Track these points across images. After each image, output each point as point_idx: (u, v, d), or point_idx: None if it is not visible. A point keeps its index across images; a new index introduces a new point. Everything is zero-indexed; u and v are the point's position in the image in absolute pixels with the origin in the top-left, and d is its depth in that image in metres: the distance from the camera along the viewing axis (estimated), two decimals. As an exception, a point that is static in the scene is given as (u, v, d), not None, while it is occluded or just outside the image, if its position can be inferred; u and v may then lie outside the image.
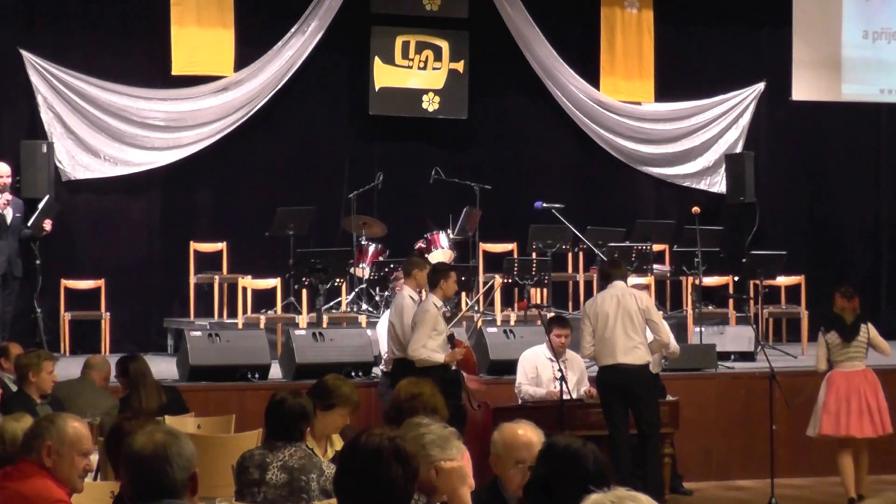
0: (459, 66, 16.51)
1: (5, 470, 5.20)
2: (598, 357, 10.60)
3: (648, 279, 14.84)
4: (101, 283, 14.98)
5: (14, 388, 9.32)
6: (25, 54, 15.03)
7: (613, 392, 10.49)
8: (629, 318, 10.45)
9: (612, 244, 14.97)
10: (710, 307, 14.98)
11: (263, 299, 14.79)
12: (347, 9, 15.91)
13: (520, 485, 5.08)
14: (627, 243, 15.25)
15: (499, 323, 14.26)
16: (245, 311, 14.49)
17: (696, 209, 15.07)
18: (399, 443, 3.88)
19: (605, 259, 14.17)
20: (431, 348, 10.78)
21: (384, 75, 16.32)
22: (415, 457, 3.89)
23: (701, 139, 17.36)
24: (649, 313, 10.58)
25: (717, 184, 17.31)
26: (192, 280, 15.30)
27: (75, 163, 15.20)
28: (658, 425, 10.60)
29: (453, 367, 10.98)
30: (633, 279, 14.94)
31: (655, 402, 10.64)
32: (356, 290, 14.90)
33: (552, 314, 12.64)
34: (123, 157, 15.37)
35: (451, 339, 10.95)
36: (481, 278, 15.32)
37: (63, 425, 5.12)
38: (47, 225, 13.94)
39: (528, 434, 5.23)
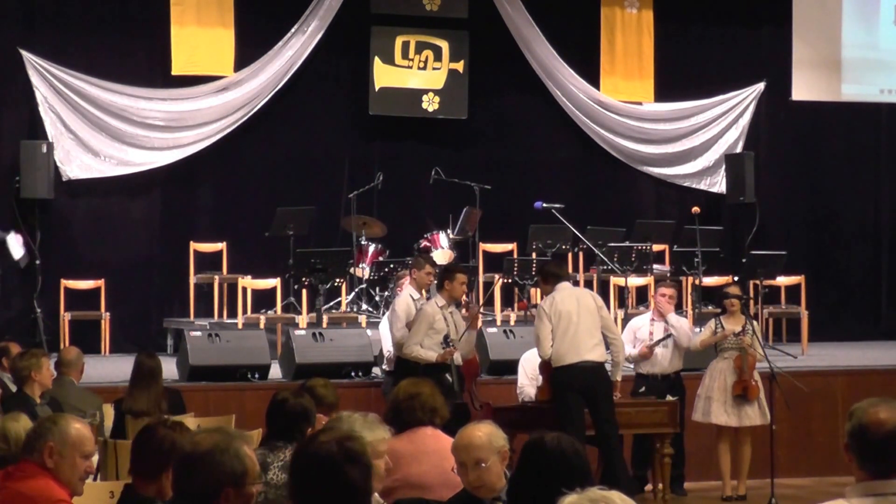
0: (459, 66, 16.51)
1: (7, 470, 5.20)
2: (559, 356, 10.33)
3: (648, 279, 14.85)
4: (101, 283, 14.98)
5: (13, 388, 9.31)
6: (25, 54, 15.04)
7: (573, 391, 10.28)
8: (590, 316, 10.37)
9: (612, 244, 14.96)
10: (710, 307, 14.98)
11: (263, 299, 14.79)
12: (347, 9, 15.92)
13: (470, 484, 5.04)
14: (627, 243, 15.24)
15: (499, 323, 14.26)
16: (245, 311, 14.49)
17: (696, 209, 15.08)
18: (348, 444, 3.82)
19: (606, 258, 14.19)
20: (428, 347, 10.76)
21: (384, 75, 16.32)
22: (366, 453, 3.84)
23: (701, 139, 17.37)
24: (603, 310, 10.57)
25: (717, 184, 17.32)
26: (192, 280, 15.30)
27: (75, 163, 15.20)
28: (617, 425, 10.51)
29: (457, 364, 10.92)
30: (633, 279, 15.00)
31: (612, 401, 10.54)
32: (356, 290, 14.90)
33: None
34: (123, 157, 15.38)
35: (447, 339, 10.89)
36: (481, 278, 15.32)
37: (66, 426, 5.10)
38: None
39: (468, 434, 5.14)
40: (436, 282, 11.37)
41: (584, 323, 10.33)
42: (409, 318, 11.07)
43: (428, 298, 11.37)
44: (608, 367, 10.55)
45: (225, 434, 4.07)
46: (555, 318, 10.36)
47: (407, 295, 11.34)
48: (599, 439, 10.35)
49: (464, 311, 11.14)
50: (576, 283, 15.71)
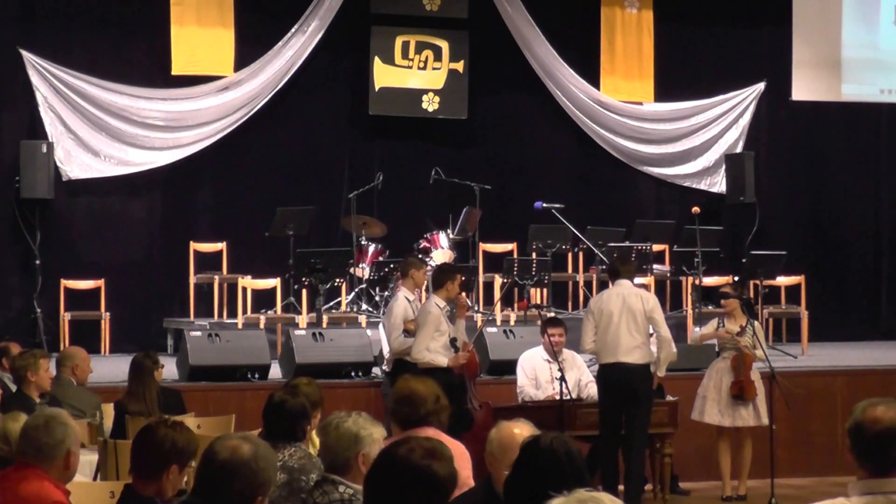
0: (459, 66, 16.51)
1: (5, 472, 5.20)
2: (600, 354, 10.62)
3: (648, 279, 14.84)
4: (101, 283, 14.98)
5: (13, 388, 9.32)
6: (25, 54, 15.04)
7: (613, 391, 10.50)
8: (633, 318, 10.45)
9: (612, 244, 14.96)
10: (710, 307, 14.98)
11: (263, 299, 14.78)
12: (347, 9, 15.92)
13: None
14: (627, 243, 15.24)
15: (499, 323, 14.25)
16: (245, 311, 14.49)
17: (696, 209, 15.08)
18: (434, 468, 3.78)
19: (607, 258, 14.18)
20: (434, 350, 10.72)
21: (384, 75, 16.32)
22: (448, 484, 3.81)
23: (701, 139, 17.36)
24: (653, 312, 10.58)
25: (717, 184, 17.31)
26: (192, 280, 15.30)
27: (75, 163, 15.20)
28: (648, 427, 10.63)
29: (457, 372, 10.87)
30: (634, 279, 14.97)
31: (651, 404, 10.63)
32: (356, 290, 14.89)
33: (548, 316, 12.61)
34: (123, 157, 15.38)
35: (454, 343, 10.86)
36: (481, 278, 15.32)
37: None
38: None
39: (525, 435, 5.16)
40: (431, 282, 11.29)
41: (624, 324, 10.45)
42: (406, 321, 11.05)
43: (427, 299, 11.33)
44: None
45: (257, 442, 4.08)
46: (597, 315, 10.57)
47: (402, 298, 11.29)
48: (626, 438, 10.54)
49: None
50: (576, 284, 15.83)
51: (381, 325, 12.16)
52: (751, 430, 11.41)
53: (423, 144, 16.55)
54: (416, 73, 16.46)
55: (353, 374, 12.20)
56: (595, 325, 10.56)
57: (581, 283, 15.75)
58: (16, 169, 14.82)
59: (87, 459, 8.40)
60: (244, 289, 14.66)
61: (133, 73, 15.49)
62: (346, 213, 15.40)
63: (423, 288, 11.52)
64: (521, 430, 5.20)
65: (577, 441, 4.77)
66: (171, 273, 15.53)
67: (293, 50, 15.86)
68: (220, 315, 15.01)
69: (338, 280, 14.16)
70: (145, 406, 9.14)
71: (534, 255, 15.00)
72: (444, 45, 16.51)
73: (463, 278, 11.28)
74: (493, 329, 13.02)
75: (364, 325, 13.84)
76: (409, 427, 6.22)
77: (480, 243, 15.69)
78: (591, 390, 11.11)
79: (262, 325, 13.86)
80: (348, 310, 14.66)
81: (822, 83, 17.49)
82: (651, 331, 10.68)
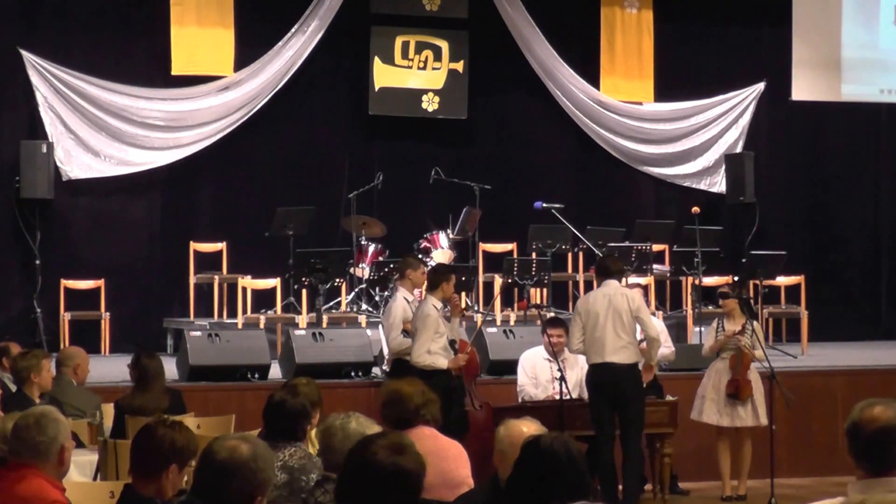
0: (459, 66, 16.51)
1: (1, 472, 5.20)
2: (588, 355, 10.61)
3: (648, 279, 14.84)
4: (101, 283, 14.99)
5: (13, 388, 9.32)
6: (25, 54, 15.04)
7: (601, 391, 10.48)
8: (619, 318, 10.44)
9: (612, 244, 14.96)
10: (709, 307, 14.98)
11: (263, 299, 14.79)
12: (347, 9, 15.92)
13: None
14: (627, 243, 15.24)
15: (499, 323, 14.25)
16: (245, 311, 14.50)
17: (695, 209, 15.07)
18: (402, 463, 3.82)
19: (601, 256, 14.19)
20: (434, 352, 10.70)
21: (384, 75, 16.32)
22: (419, 475, 3.85)
23: (701, 139, 17.36)
24: (639, 311, 10.58)
25: (717, 184, 17.31)
26: (192, 280, 15.30)
27: (75, 163, 15.20)
28: (641, 426, 10.62)
29: (455, 374, 10.86)
30: (633, 279, 14.98)
31: (641, 403, 10.62)
32: (356, 290, 14.90)
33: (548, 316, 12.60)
34: (123, 157, 15.38)
35: (453, 345, 10.84)
36: (481, 278, 15.33)
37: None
38: None
39: (532, 433, 5.19)
40: (426, 283, 11.23)
41: (610, 324, 10.44)
42: (404, 322, 11.04)
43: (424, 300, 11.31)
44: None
45: (255, 442, 4.09)
46: (584, 316, 10.57)
47: (401, 299, 11.28)
48: (620, 438, 10.53)
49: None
50: (576, 283, 15.82)
51: (381, 326, 12.16)
52: (750, 430, 11.41)
53: (423, 144, 16.55)
54: (415, 73, 16.47)
55: (352, 374, 12.20)
56: (582, 326, 10.55)
57: (581, 283, 15.74)
58: (16, 169, 14.82)
59: (87, 459, 8.40)
60: (244, 289, 14.67)
61: (133, 73, 15.50)
62: (346, 213, 15.40)
63: (423, 288, 11.49)
64: (529, 428, 5.21)
65: (576, 441, 4.76)
66: (171, 273, 15.53)
67: (293, 50, 15.86)
68: (220, 315, 15.02)
69: (338, 280, 14.17)
70: (147, 406, 9.12)
71: (534, 255, 15.00)
72: (444, 45, 16.51)
73: (463, 278, 11.28)
74: (493, 329, 13.01)
75: (364, 325, 13.85)
76: (402, 427, 6.22)
77: (480, 243, 15.69)
78: (591, 390, 11.12)
79: (262, 325, 13.87)
80: (348, 310, 14.67)
81: (822, 83, 17.48)
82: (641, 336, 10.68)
